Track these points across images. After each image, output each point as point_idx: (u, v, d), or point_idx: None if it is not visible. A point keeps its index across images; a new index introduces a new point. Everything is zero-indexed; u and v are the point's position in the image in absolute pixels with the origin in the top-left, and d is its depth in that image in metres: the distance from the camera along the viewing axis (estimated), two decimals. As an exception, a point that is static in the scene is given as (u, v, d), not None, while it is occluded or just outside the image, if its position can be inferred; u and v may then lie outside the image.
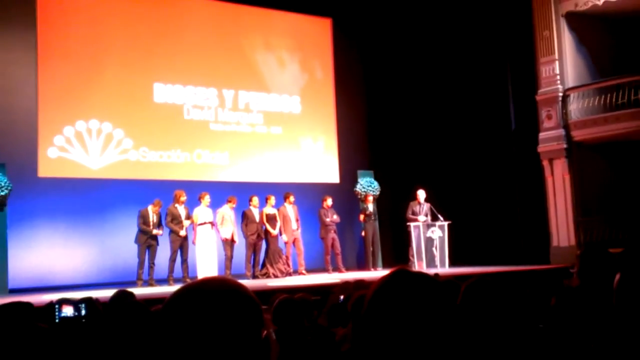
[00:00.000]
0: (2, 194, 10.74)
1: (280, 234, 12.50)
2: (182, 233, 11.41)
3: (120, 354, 2.68)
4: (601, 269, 3.11)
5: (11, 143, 11.61)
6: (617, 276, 1.86)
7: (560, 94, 13.37)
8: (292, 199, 12.77)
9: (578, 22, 13.59)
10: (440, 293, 1.39)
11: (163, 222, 11.51)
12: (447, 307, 1.37)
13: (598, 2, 13.01)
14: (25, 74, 12.00)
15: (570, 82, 13.47)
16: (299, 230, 12.78)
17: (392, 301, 1.38)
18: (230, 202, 12.00)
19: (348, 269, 13.60)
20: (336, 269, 12.90)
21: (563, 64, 13.48)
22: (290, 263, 12.58)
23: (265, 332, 3.64)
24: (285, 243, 12.62)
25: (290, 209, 12.72)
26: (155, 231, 11.29)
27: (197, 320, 1.25)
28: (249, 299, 1.31)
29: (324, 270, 12.92)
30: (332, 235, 13.01)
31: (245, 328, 1.26)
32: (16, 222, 11.24)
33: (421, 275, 1.44)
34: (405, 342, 1.34)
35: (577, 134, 13.17)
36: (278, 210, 12.62)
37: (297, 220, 12.76)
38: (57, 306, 4.27)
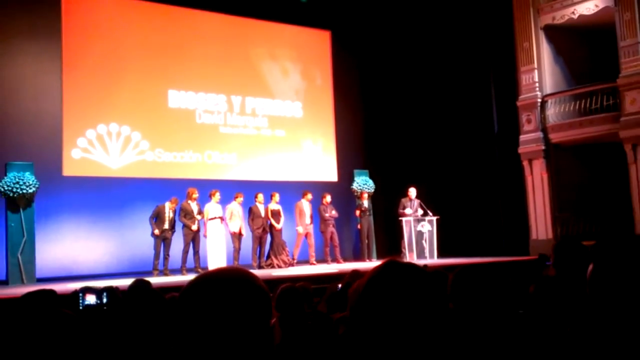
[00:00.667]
0: (30, 191, 10.74)
1: (296, 225, 12.71)
2: (194, 227, 11.41)
3: (138, 338, 2.68)
4: (574, 260, 3.11)
5: (38, 145, 11.61)
6: (590, 267, 1.87)
7: (539, 100, 13.37)
8: (309, 196, 12.91)
9: (555, 34, 13.58)
10: (427, 281, 1.40)
11: (177, 218, 11.51)
12: (434, 294, 1.37)
13: (573, 16, 13.01)
14: (51, 82, 11.99)
15: (548, 89, 13.47)
16: (312, 225, 12.84)
17: (384, 289, 1.38)
18: (237, 198, 12.01)
19: (345, 259, 13.60)
20: (334, 260, 12.91)
21: (541, 73, 13.48)
22: (297, 254, 12.61)
23: (274, 320, 3.65)
24: (298, 234, 12.71)
25: (306, 205, 12.83)
26: (156, 231, 11.20)
27: (213, 306, 1.25)
28: (260, 289, 1.31)
29: (323, 261, 12.92)
30: (331, 229, 13.01)
31: (256, 315, 1.26)
32: (43, 217, 11.24)
33: (410, 265, 1.45)
34: (395, 326, 1.34)
35: (555, 137, 13.17)
36: (295, 204, 12.75)
37: (311, 215, 12.82)
38: (80, 294, 4.27)
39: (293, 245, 12.83)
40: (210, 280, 1.29)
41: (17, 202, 10.66)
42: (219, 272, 1.33)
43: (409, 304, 1.35)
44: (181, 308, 1.27)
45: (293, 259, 12.63)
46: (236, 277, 1.30)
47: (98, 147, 12.30)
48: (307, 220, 12.79)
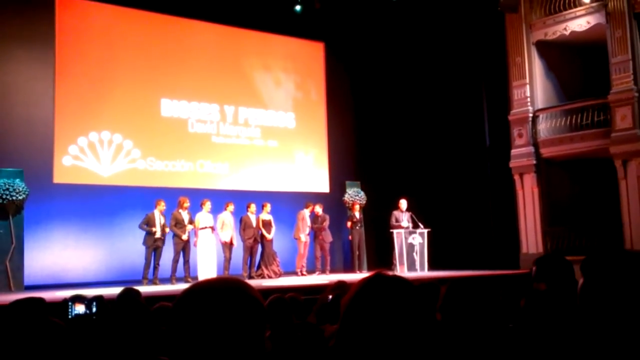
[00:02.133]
0: (20, 198, 10.67)
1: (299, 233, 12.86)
2: (184, 237, 11.37)
3: (125, 348, 2.66)
4: (557, 275, 3.12)
5: (29, 151, 11.55)
6: (581, 281, 1.88)
7: (531, 115, 13.44)
8: (312, 207, 13.00)
9: (547, 49, 13.69)
10: (413, 294, 1.40)
11: (168, 225, 11.46)
12: (421, 306, 1.37)
13: (565, 32, 13.12)
14: (44, 89, 11.96)
15: (540, 104, 13.55)
16: (309, 236, 12.87)
17: (370, 301, 1.38)
18: (228, 207, 11.98)
19: (335, 271, 13.58)
20: (324, 271, 12.92)
21: (533, 88, 13.56)
22: (304, 262, 12.72)
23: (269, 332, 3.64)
24: (299, 242, 12.81)
25: (307, 215, 12.89)
26: (154, 229, 11.17)
27: (207, 316, 1.24)
28: (255, 299, 1.30)
29: (312, 272, 12.89)
30: (321, 241, 13.02)
31: (251, 326, 1.26)
32: (32, 224, 11.17)
33: (396, 278, 1.45)
34: (382, 339, 1.34)
35: (546, 151, 13.24)
36: (298, 212, 12.87)
37: (309, 226, 12.84)
38: (70, 303, 4.23)
39: (295, 255, 12.84)
40: (205, 290, 1.29)
41: (7, 209, 10.59)
42: (213, 282, 1.32)
43: (395, 316, 1.35)
44: (175, 317, 1.26)
45: (302, 267, 12.76)
46: (231, 287, 1.30)
47: (89, 155, 12.26)
48: (307, 230, 12.88)
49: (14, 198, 10.57)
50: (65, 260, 11.63)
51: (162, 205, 11.42)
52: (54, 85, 12.03)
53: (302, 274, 12.64)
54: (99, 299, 4.44)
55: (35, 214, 11.20)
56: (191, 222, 11.51)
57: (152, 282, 11.09)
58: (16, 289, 10.38)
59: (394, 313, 1.34)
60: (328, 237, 13.08)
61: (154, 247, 11.22)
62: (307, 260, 13.02)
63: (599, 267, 1.75)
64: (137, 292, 5.05)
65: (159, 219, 11.32)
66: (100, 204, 12.16)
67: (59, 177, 11.89)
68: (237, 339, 1.23)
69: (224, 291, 1.28)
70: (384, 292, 1.38)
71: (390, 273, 1.45)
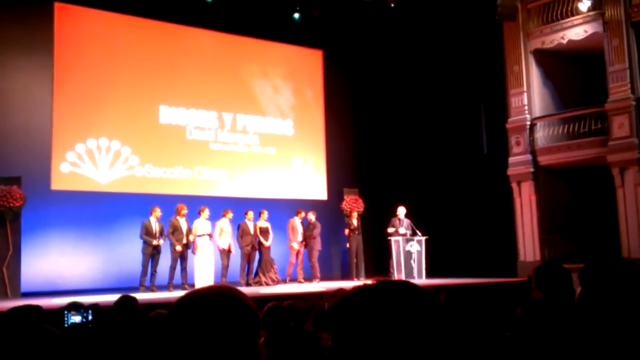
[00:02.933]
0: (18, 204, 10.65)
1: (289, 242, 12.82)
2: (178, 248, 11.33)
3: (121, 356, 2.65)
4: (556, 283, 3.13)
5: (27, 158, 11.55)
6: (579, 290, 1.88)
7: (528, 123, 13.47)
8: (302, 214, 12.94)
9: (545, 58, 13.73)
10: (418, 300, 1.38)
11: (165, 232, 11.45)
12: (426, 313, 1.36)
13: (563, 41, 13.16)
14: (42, 95, 11.97)
15: (537, 112, 13.58)
16: (304, 243, 12.85)
17: (370, 308, 1.37)
18: (227, 214, 11.97)
19: (333, 278, 13.56)
20: (308, 278, 12.91)
21: (531, 96, 13.60)
22: (299, 270, 12.67)
23: (263, 339, 3.63)
24: (292, 250, 12.79)
25: (298, 223, 12.85)
26: (155, 242, 11.20)
27: (201, 324, 1.24)
28: (248, 307, 1.30)
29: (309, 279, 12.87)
30: (313, 247, 13.02)
31: (243, 334, 1.26)
32: (30, 231, 11.15)
33: (401, 282, 1.43)
34: (384, 347, 1.33)
35: (543, 159, 13.25)
36: (288, 221, 12.79)
37: (303, 233, 12.82)
38: (66, 312, 4.22)
39: (287, 263, 12.81)
40: (198, 299, 1.29)
41: (4, 216, 10.57)
42: (207, 290, 1.33)
43: (398, 323, 1.34)
44: (169, 326, 1.26)
45: (297, 275, 12.74)
46: (224, 296, 1.30)
47: (87, 162, 12.25)
48: (300, 237, 12.81)
49: (12, 205, 10.55)
50: (63, 267, 11.61)
51: (157, 212, 11.41)
52: (52, 92, 12.03)
53: (300, 281, 12.62)
54: (95, 307, 4.43)
55: (32, 220, 11.18)
56: (189, 231, 11.49)
57: (149, 289, 11.06)
58: (13, 295, 10.35)
59: (397, 319, 1.33)
60: (317, 245, 13.04)
61: (151, 254, 11.21)
62: (304, 269, 13.00)
63: (597, 276, 1.75)
64: (134, 299, 5.03)
65: (155, 226, 11.31)
66: (98, 210, 12.15)
67: (56, 184, 11.88)
68: (230, 347, 1.24)
69: (217, 299, 1.28)
70: (387, 297, 1.37)
71: (397, 276, 1.43)
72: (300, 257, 12.92)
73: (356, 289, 1.43)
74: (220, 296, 1.30)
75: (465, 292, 2.39)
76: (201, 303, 1.28)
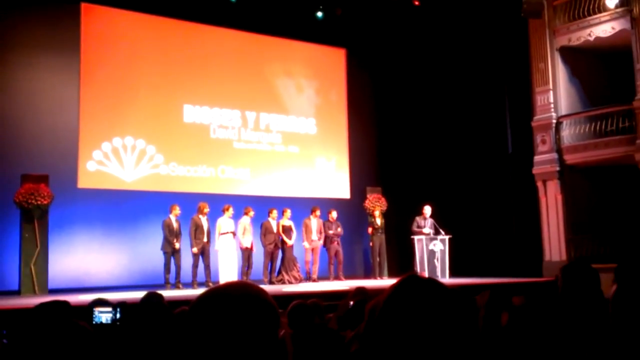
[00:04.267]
0: (45, 202, 10.80)
1: (302, 241, 12.72)
2: (194, 250, 11.40)
3: (148, 353, 2.68)
4: (583, 283, 3.08)
5: (54, 157, 11.72)
6: (613, 287, 1.85)
7: (554, 121, 13.31)
8: (317, 212, 12.90)
9: (571, 55, 13.55)
10: (451, 299, 1.37)
11: (183, 231, 11.51)
12: (460, 313, 1.34)
13: (590, 38, 12.99)
14: (69, 95, 12.13)
15: (563, 110, 13.42)
16: (320, 241, 12.82)
17: (405, 304, 1.35)
18: (249, 212, 12.01)
19: (356, 277, 13.55)
20: (337, 277, 12.87)
21: (557, 94, 13.44)
22: (299, 269, 12.56)
23: (283, 332, 3.64)
24: (305, 250, 12.72)
25: (314, 222, 12.82)
26: (177, 244, 11.29)
27: (220, 320, 1.25)
28: (266, 302, 1.31)
29: (325, 277, 12.87)
30: (335, 246, 12.97)
31: (263, 328, 1.26)
32: (57, 229, 11.31)
33: (431, 280, 1.42)
34: (415, 344, 1.32)
35: (569, 158, 13.09)
36: (303, 221, 12.75)
37: (319, 232, 12.79)
38: (94, 309, 4.26)
39: (303, 262, 12.82)
40: (217, 295, 1.30)
41: (32, 213, 10.73)
42: (226, 287, 1.34)
43: (430, 322, 1.32)
44: (190, 323, 1.27)
45: (308, 275, 12.65)
46: (243, 292, 1.31)
47: (113, 160, 12.39)
48: (315, 236, 12.77)
49: (39, 202, 10.71)
50: (89, 264, 11.76)
51: (177, 210, 11.51)
52: (78, 92, 12.19)
53: (315, 280, 12.56)
54: (122, 305, 4.46)
55: (59, 218, 11.34)
56: (208, 233, 11.52)
57: (175, 286, 11.17)
58: (40, 292, 10.50)
59: (429, 319, 1.32)
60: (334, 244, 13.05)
61: (172, 253, 11.30)
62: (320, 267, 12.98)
63: (633, 273, 1.73)
64: (160, 296, 5.08)
65: (175, 224, 11.41)
66: (124, 208, 12.28)
67: (83, 182, 12.03)
68: (250, 342, 1.24)
69: (237, 296, 1.29)
70: (420, 295, 1.35)
71: (425, 275, 1.42)
72: (317, 255, 12.85)
73: (391, 286, 1.42)
74: (240, 292, 1.30)
75: (508, 293, 2.36)
76: (221, 299, 1.29)
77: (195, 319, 1.27)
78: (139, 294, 5.66)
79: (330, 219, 13.09)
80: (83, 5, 12.34)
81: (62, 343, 1.63)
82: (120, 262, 12.09)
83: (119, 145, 12.50)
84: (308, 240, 12.71)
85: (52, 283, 10.90)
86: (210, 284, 11.25)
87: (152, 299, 4.95)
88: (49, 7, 12.01)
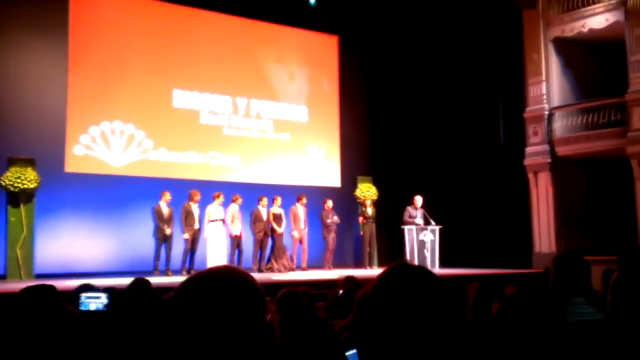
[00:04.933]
0: (32, 186, 10.75)
1: (291, 230, 12.63)
2: (185, 236, 11.41)
3: (136, 338, 2.67)
4: (575, 274, 3.09)
5: (41, 140, 11.63)
6: (614, 275, 1.87)
7: (546, 113, 13.35)
8: (304, 200, 12.84)
9: (564, 47, 13.58)
10: (441, 287, 1.37)
11: (175, 217, 11.52)
12: (449, 302, 1.34)
13: (583, 29, 13.00)
14: (57, 78, 12.02)
15: (556, 101, 13.45)
16: (306, 230, 12.82)
17: (392, 293, 1.35)
18: (237, 200, 12.00)
19: (346, 266, 13.58)
20: (328, 266, 12.92)
21: (549, 85, 13.47)
22: (295, 258, 12.60)
23: (270, 316, 3.64)
24: (293, 239, 12.66)
25: (300, 210, 12.77)
26: (168, 231, 11.30)
27: (205, 304, 1.24)
28: (251, 285, 1.31)
29: (318, 266, 12.90)
30: (333, 235, 13.02)
31: (248, 312, 1.26)
32: (43, 213, 11.25)
33: (421, 268, 1.42)
34: (403, 334, 1.32)
35: (561, 150, 13.15)
36: (290, 209, 12.66)
37: (304, 220, 12.79)
38: (80, 296, 4.23)
39: (290, 251, 12.83)
40: (202, 279, 1.30)
41: (18, 197, 10.67)
42: (210, 271, 1.33)
43: (419, 310, 1.32)
44: (174, 308, 1.27)
45: (301, 262, 12.70)
46: (228, 275, 1.31)
47: (101, 144, 12.32)
48: (302, 225, 12.75)
49: (26, 186, 10.65)
50: (76, 249, 11.71)
51: (167, 196, 11.50)
52: (66, 75, 12.08)
53: (304, 269, 12.59)
54: (110, 291, 4.44)
55: (46, 202, 11.27)
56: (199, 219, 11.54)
57: (165, 273, 11.17)
58: (26, 277, 10.47)
59: (418, 307, 1.32)
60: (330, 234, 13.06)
61: (163, 239, 11.30)
62: (317, 256, 13.02)
63: (634, 263, 1.74)
64: (147, 281, 5.07)
65: (165, 210, 11.40)
66: (111, 194, 12.22)
67: (70, 167, 11.96)
68: (236, 326, 1.24)
69: (222, 280, 1.28)
70: (408, 283, 1.35)
71: (415, 263, 1.42)
72: (305, 244, 12.85)
73: (380, 273, 1.42)
74: (224, 276, 1.30)
75: (496, 284, 2.37)
76: (206, 283, 1.28)
77: (180, 304, 1.26)
78: (127, 280, 5.64)
79: (326, 208, 13.09)
80: (72, -14, 12.22)
81: (50, 327, 1.62)
82: (107, 248, 12.04)
83: (107, 129, 12.42)
84: (297, 229, 12.68)
85: (39, 268, 10.87)
86: (193, 271, 11.24)
87: (140, 284, 4.94)
88: (37, -13, 11.87)
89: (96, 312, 4.17)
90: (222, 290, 1.26)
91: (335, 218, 13.08)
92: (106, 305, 3.96)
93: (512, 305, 2.52)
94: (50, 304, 1.71)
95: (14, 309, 1.74)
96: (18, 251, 10.60)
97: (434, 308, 1.31)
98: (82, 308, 4.32)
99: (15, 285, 7.84)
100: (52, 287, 3.94)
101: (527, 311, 2.47)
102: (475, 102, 14.62)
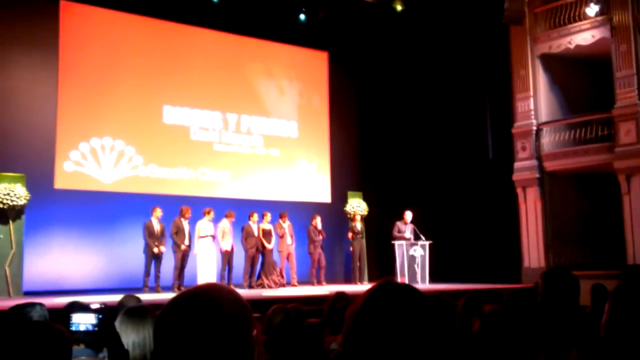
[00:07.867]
0: (21, 203, 10.67)
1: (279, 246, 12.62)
2: (183, 247, 11.38)
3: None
4: (563, 290, 3.11)
5: (31, 156, 11.57)
6: (607, 305, 1.88)
7: (534, 128, 13.46)
8: (286, 217, 12.82)
9: (552, 63, 13.73)
10: (424, 303, 1.38)
11: (167, 233, 11.48)
12: (435, 319, 1.36)
13: (570, 46, 13.16)
14: (47, 93, 11.99)
15: (544, 117, 13.57)
16: (293, 245, 12.79)
17: (379, 310, 1.37)
18: (229, 216, 11.97)
19: (336, 282, 13.56)
20: (319, 282, 12.88)
21: (537, 101, 13.59)
22: (284, 274, 12.57)
23: (255, 332, 3.63)
24: (281, 255, 12.64)
25: (286, 226, 12.74)
26: (156, 250, 11.23)
27: (190, 322, 1.24)
28: (237, 301, 1.31)
29: (308, 282, 12.87)
30: (319, 250, 13.00)
31: (233, 329, 1.26)
32: (32, 230, 11.16)
33: (406, 286, 1.44)
34: (392, 349, 1.33)
35: (549, 165, 13.24)
36: (274, 225, 12.63)
37: (291, 236, 12.77)
38: (71, 316, 4.17)
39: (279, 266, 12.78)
40: (187, 297, 1.30)
41: (7, 214, 10.59)
42: (196, 289, 1.33)
43: (405, 328, 1.33)
44: (161, 326, 1.27)
45: (290, 279, 12.65)
46: (213, 293, 1.30)
47: (91, 161, 12.27)
48: (289, 240, 12.74)
49: (15, 203, 10.57)
50: (65, 266, 11.61)
51: (158, 212, 11.46)
52: (56, 91, 12.05)
53: (295, 285, 12.55)
54: (100, 310, 4.39)
55: (35, 219, 11.19)
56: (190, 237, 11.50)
57: (155, 289, 11.09)
58: (15, 294, 10.36)
59: (405, 324, 1.33)
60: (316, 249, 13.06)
61: (153, 256, 11.24)
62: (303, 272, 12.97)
63: (631, 291, 1.76)
64: (138, 298, 5.03)
65: (156, 226, 11.36)
66: (102, 210, 12.16)
67: (60, 183, 11.90)
68: (221, 343, 1.24)
69: (207, 298, 1.28)
70: (394, 299, 1.37)
71: (400, 281, 1.43)
72: (293, 260, 12.81)
73: (366, 291, 1.43)
74: (210, 294, 1.30)
75: (483, 297, 2.38)
76: (191, 301, 1.28)
77: (166, 322, 1.27)
78: (117, 297, 5.60)
79: (313, 224, 13.07)
80: (62, 3, 12.22)
81: (38, 345, 1.62)
82: (97, 265, 11.96)
83: (97, 145, 12.38)
84: (282, 245, 12.64)
85: (27, 285, 10.76)
86: (182, 288, 11.18)
87: (129, 302, 4.90)
88: (27, 4, 11.86)
89: (88, 332, 4.12)
90: (207, 309, 1.26)
91: (320, 237, 13.03)
92: (96, 325, 3.92)
93: (492, 322, 2.54)
94: (40, 322, 1.70)
95: (3, 327, 1.74)
96: (7, 268, 10.49)
97: (420, 325, 1.33)
98: (73, 329, 4.27)
99: (4, 303, 7.76)
100: (41, 305, 3.90)
101: (509, 328, 2.48)
102: (464, 118, 14.72)
